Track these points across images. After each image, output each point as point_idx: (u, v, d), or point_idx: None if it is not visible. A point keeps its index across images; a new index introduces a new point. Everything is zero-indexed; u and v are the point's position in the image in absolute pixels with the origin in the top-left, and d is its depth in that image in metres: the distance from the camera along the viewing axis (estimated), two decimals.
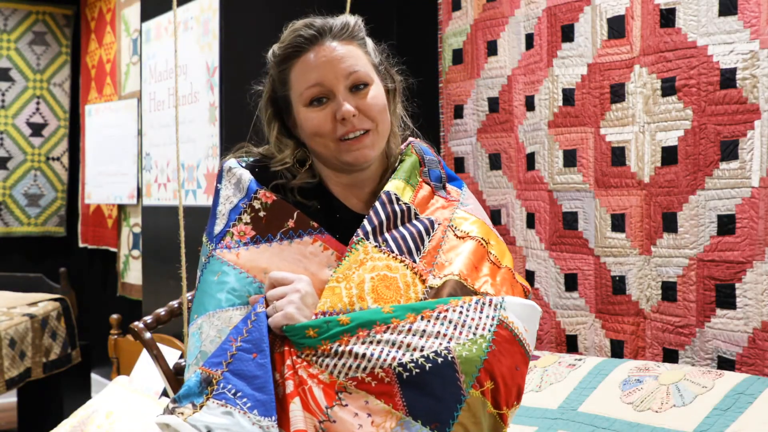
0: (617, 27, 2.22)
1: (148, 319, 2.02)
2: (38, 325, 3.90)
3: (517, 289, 1.35)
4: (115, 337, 3.24)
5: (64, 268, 4.47)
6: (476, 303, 1.24)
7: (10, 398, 4.65)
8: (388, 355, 1.16)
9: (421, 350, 1.17)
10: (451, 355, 1.17)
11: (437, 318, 1.20)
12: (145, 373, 2.68)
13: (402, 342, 1.17)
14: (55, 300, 4.17)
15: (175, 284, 3.07)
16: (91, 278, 4.90)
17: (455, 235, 1.34)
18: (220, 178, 1.38)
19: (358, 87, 1.31)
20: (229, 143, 2.85)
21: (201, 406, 1.15)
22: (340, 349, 1.17)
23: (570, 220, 2.36)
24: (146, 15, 3.38)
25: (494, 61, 2.61)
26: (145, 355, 2.75)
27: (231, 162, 1.38)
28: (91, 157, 4.73)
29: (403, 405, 1.15)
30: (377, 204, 1.33)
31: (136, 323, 2.00)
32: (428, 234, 1.33)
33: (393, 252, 1.29)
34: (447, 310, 1.21)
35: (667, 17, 2.10)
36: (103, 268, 4.75)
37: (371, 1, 2.25)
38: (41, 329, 3.93)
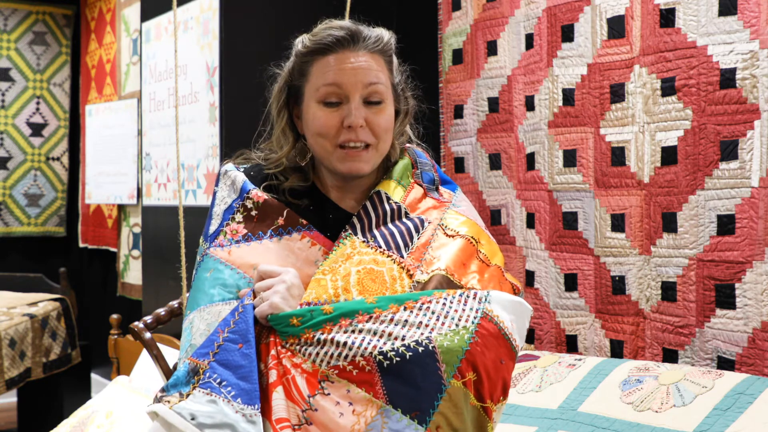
0: (617, 27, 2.22)
1: (148, 319, 2.03)
2: (38, 325, 3.90)
3: (505, 286, 1.37)
4: (115, 337, 3.24)
5: (64, 268, 4.47)
6: (460, 295, 1.25)
7: (10, 398, 4.65)
8: (369, 343, 1.18)
9: (402, 339, 1.18)
10: (432, 345, 1.18)
11: (420, 309, 1.22)
12: (145, 373, 2.68)
13: (383, 331, 1.19)
14: (55, 300, 4.18)
15: (175, 284, 3.07)
16: (91, 278, 4.90)
17: (445, 233, 1.37)
18: (217, 181, 1.43)
19: (372, 102, 1.33)
20: (229, 143, 2.86)
21: (187, 395, 1.17)
22: (323, 337, 1.19)
23: (570, 220, 2.36)
24: (146, 15, 3.38)
25: (494, 61, 2.61)
26: (145, 355, 2.75)
27: (228, 166, 1.44)
28: (91, 157, 4.74)
29: (383, 393, 1.16)
30: (367, 203, 1.37)
31: (136, 323, 2.00)
32: (417, 232, 1.36)
33: (381, 247, 1.32)
34: (430, 302, 1.23)
35: (667, 17, 2.10)
36: (103, 268, 4.75)
37: (371, 1, 2.25)
38: (41, 329, 3.93)
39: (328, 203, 1.40)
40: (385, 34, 1.37)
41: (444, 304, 1.23)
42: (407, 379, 1.16)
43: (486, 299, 1.26)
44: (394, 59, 1.40)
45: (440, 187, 1.46)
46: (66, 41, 4.98)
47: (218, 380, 1.17)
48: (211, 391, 1.16)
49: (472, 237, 1.37)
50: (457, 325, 1.21)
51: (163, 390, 1.21)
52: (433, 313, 1.22)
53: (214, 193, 1.42)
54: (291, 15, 2.90)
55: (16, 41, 4.85)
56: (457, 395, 1.18)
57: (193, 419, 1.13)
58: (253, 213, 1.35)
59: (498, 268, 1.38)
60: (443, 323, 1.21)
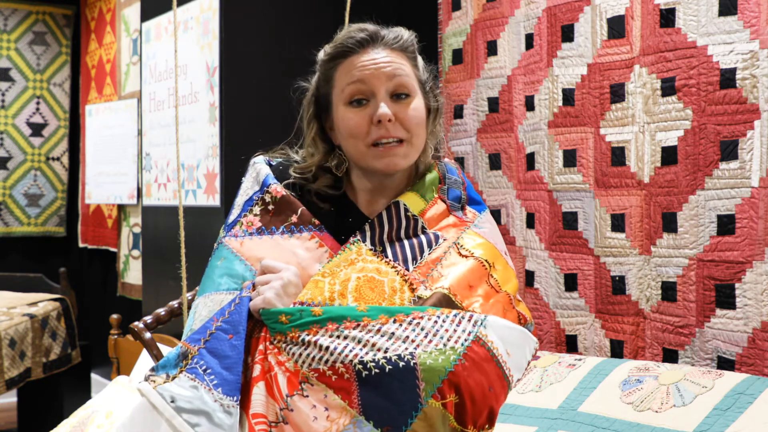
0: (617, 27, 2.22)
1: (148, 319, 2.03)
2: (38, 325, 3.90)
3: (511, 314, 1.33)
4: (115, 337, 3.24)
5: (64, 268, 4.47)
6: (454, 316, 1.22)
7: (10, 398, 4.65)
8: (351, 351, 1.17)
9: (385, 352, 1.16)
10: (414, 361, 1.16)
11: (409, 323, 1.20)
12: (145, 373, 2.67)
13: (368, 341, 1.17)
14: (55, 300, 4.17)
15: (175, 284, 3.07)
16: (91, 278, 4.90)
17: (459, 252, 1.34)
18: (246, 172, 1.44)
19: (400, 96, 1.32)
20: (229, 143, 2.86)
21: (173, 378, 1.19)
22: (307, 338, 1.19)
23: (570, 220, 2.36)
24: (146, 15, 3.38)
25: (494, 61, 2.61)
26: (145, 355, 2.75)
27: (258, 158, 1.45)
28: (91, 157, 4.74)
29: (358, 403, 1.15)
30: (383, 212, 1.35)
31: (136, 323, 2.00)
32: (430, 247, 1.33)
33: (387, 257, 1.30)
34: (422, 318, 1.21)
35: (667, 17, 2.10)
36: (103, 268, 4.75)
37: (371, 1, 2.25)
38: (41, 329, 3.93)
39: (350, 207, 1.39)
40: (405, 33, 1.37)
41: (435, 321, 1.21)
42: (384, 392, 1.15)
43: (482, 323, 1.23)
44: (419, 58, 1.40)
45: (466, 207, 1.43)
46: (66, 41, 4.98)
47: (204, 367, 1.18)
48: (195, 376, 1.17)
49: (486, 260, 1.34)
50: (444, 345, 1.18)
51: (152, 369, 1.23)
52: (422, 329, 1.19)
53: (242, 184, 1.44)
54: (291, 15, 2.90)
55: (16, 41, 4.85)
56: (434, 415, 1.15)
57: (172, 401, 1.15)
58: (270, 207, 1.36)
59: (507, 296, 1.34)
60: (431, 341, 1.18)
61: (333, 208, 1.38)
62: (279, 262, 1.29)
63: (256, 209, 1.36)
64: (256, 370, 1.19)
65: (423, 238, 1.34)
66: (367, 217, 1.38)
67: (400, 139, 1.31)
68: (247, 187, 1.41)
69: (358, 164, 1.36)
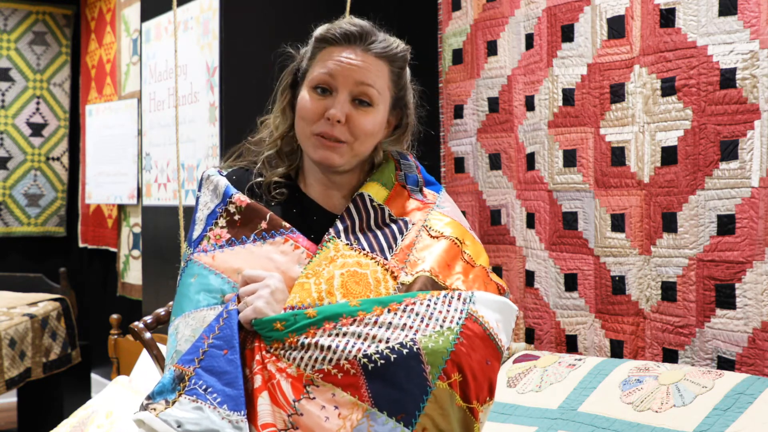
0: (617, 27, 2.22)
1: (148, 319, 2.02)
2: (38, 325, 3.90)
3: (490, 287, 1.36)
4: (115, 337, 3.24)
5: (64, 268, 4.47)
6: (444, 297, 1.25)
7: (10, 398, 4.65)
8: (353, 346, 1.18)
9: (387, 342, 1.18)
10: (416, 347, 1.18)
11: (404, 311, 1.22)
12: (145, 373, 2.68)
13: (368, 334, 1.19)
14: (55, 300, 4.17)
15: (175, 284, 3.07)
16: (91, 278, 4.90)
17: (429, 234, 1.37)
18: (199, 186, 1.43)
19: (362, 102, 1.33)
20: (229, 143, 2.86)
21: (173, 402, 1.17)
22: (307, 341, 1.19)
23: (570, 220, 2.36)
24: (146, 15, 3.38)
25: (494, 61, 2.61)
26: (145, 355, 2.75)
27: (209, 171, 1.44)
28: (91, 157, 4.74)
29: (368, 396, 1.16)
30: (350, 205, 1.37)
31: (136, 323, 2.00)
32: (401, 234, 1.36)
33: (364, 249, 1.32)
34: (414, 303, 1.23)
35: (667, 17, 2.10)
36: (103, 268, 4.75)
37: (371, 1, 2.25)
38: (41, 329, 3.93)
39: (311, 205, 1.40)
40: (399, 45, 1.38)
41: (428, 305, 1.23)
42: (392, 381, 1.16)
43: (470, 300, 1.26)
44: (406, 73, 1.41)
45: (424, 189, 1.46)
46: (66, 41, 4.98)
47: (204, 387, 1.17)
48: (197, 397, 1.16)
49: (456, 238, 1.37)
50: (441, 327, 1.21)
51: (149, 397, 1.21)
52: (417, 314, 1.21)
53: (197, 199, 1.42)
54: (291, 15, 2.89)
55: (16, 41, 4.85)
56: (443, 397, 1.17)
57: (179, 426, 1.13)
58: (236, 217, 1.35)
59: (483, 269, 1.37)
60: (427, 325, 1.21)
61: (294, 207, 1.38)
62: (260, 271, 1.28)
63: (222, 221, 1.35)
64: (257, 380, 1.18)
65: (393, 226, 1.36)
66: (329, 212, 1.39)
67: (342, 141, 1.32)
68: (207, 200, 1.39)
69: (300, 144, 1.39)
